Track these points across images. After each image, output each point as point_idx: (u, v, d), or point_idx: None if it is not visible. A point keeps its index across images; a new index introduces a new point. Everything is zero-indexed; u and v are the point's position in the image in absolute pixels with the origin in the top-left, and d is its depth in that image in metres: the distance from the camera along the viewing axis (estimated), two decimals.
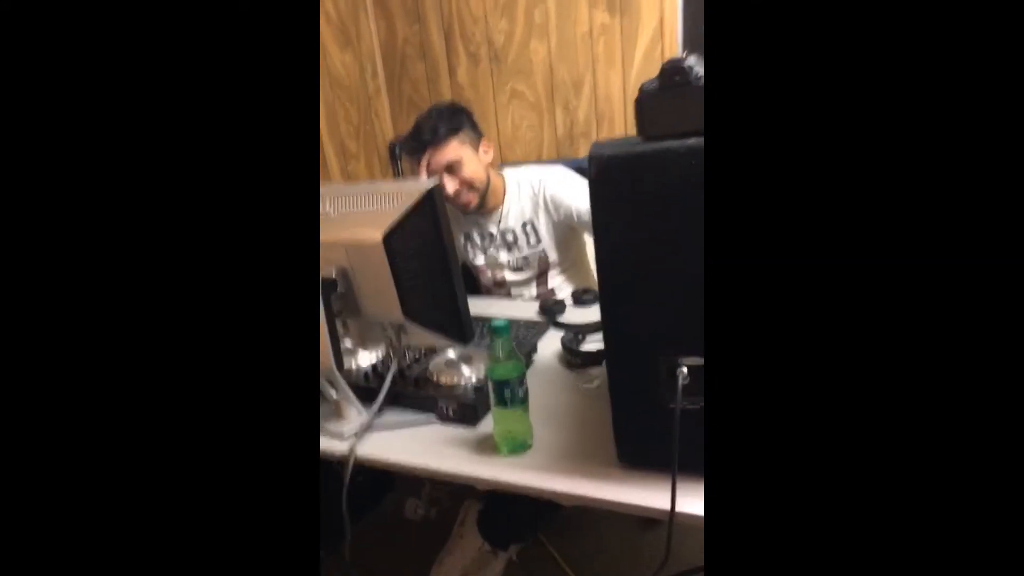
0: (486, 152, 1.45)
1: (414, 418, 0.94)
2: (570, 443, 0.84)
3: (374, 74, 2.22)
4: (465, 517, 1.48)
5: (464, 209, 1.44)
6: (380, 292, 0.88)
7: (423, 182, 0.81)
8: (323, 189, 0.89)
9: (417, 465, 0.84)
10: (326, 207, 0.86)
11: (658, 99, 0.59)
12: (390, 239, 0.83)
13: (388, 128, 2.31)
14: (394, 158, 2.33)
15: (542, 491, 0.76)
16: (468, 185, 1.40)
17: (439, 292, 0.87)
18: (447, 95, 2.17)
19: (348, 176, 2.10)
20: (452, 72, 2.15)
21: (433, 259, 0.85)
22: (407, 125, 2.31)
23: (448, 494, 1.70)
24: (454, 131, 1.39)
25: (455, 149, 1.38)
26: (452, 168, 1.38)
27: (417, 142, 1.38)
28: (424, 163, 1.39)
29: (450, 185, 1.38)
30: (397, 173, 2.33)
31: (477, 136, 1.45)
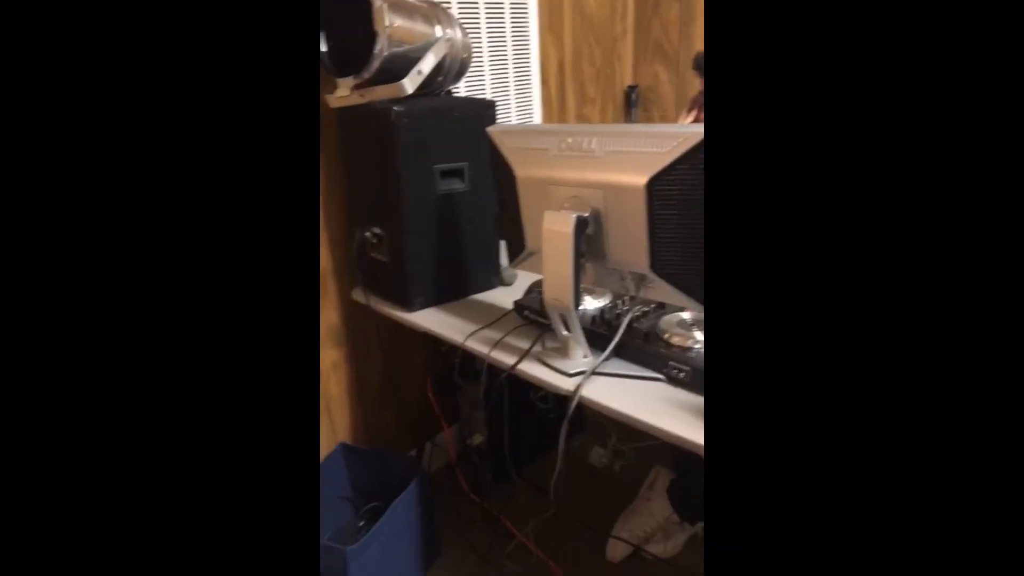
0: None
1: (641, 372, 0.92)
2: None
3: (624, 15, 2.13)
4: (654, 482, 1.46)
5: None
6: (630, 239, 0.85)
7: (701, 126, 0.75)
8: (591, 127, 0.88)
9: (641, 419, 0.82)
10: (592, 144, 0.85)
11: None
12: (654, 185, 0.79)
13: (628, 73, 2.23)
14: (629, 104, 2.25)
15: None
16: None
17: (692, 248, 0.82)
18: (698, 43, 2.01)
19: (582, 120, 2.09)
20: None
21: (694, 212, 0.79)
22: (649, 72, 2.21)
23: (634, 450, 1.69)
24: None
25: None
26: None
27: None
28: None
29: None
30: (630, 121, 2.26)
31: None
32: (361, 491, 1.52)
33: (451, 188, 1.20)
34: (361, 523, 1.50)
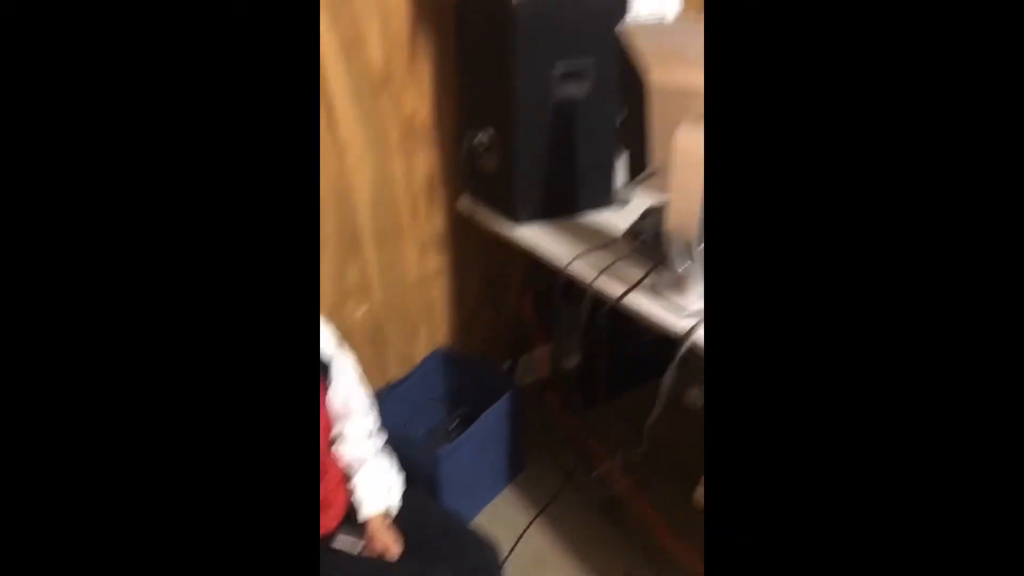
0: None
1: None
2: None
3: None
4: None
5: None
6: None
7: None
8: None
9: None
10: None
11: None
12: None
13: None
14: None
15: None
16: None
17: None
18: None
19: None
20: None
21: None
22: None
23: None
24: None
25: None
26: None
27: None
28: None
29: None
30: None
31: None
32: (454, 395, 1.57)
33: (571, 93, 1.08)
34: (452, 426, 1.55)
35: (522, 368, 1.70)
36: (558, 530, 1.35)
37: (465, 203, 1.32)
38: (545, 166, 1.13)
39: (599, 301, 0.98)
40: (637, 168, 0.98)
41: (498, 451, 1.41)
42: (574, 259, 1.03)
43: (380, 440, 1.11)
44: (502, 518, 1.39)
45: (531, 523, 1.29)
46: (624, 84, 0.93)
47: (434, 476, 1.22)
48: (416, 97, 1.23)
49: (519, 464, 1.49)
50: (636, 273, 0.96)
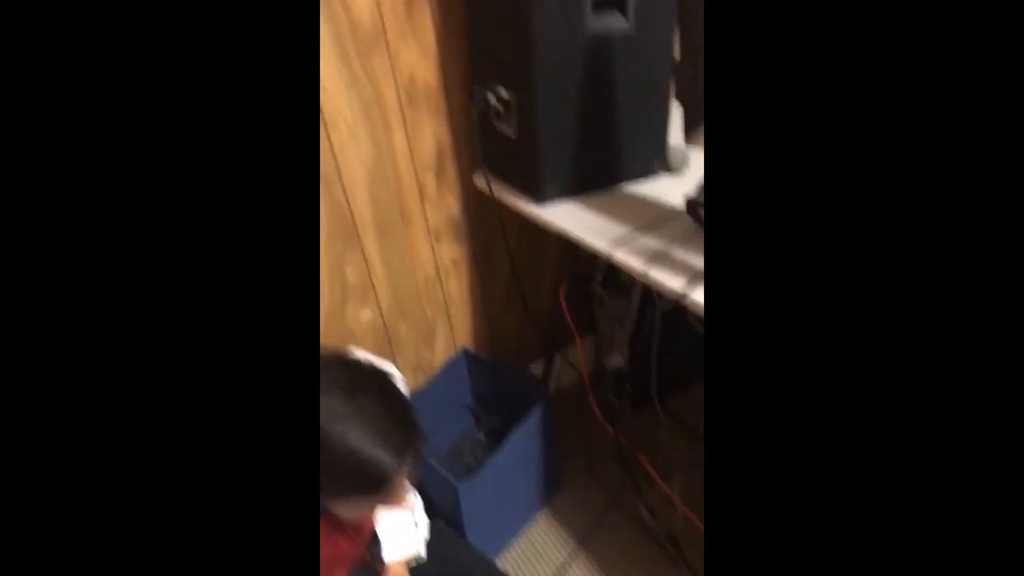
0: None
1: None
2: None
3: None
4: None
5: None
6: None
7: None
8: None
9: None
10: None
11: None
12: None
13: None
14: None
15: None
16: None
17: None
18: None
19: None
20: None
21: None
22: None
23: None
24: None
25: None
26: None
27: None
28: None
29: None
30: None
31: None
32: (482, 400, 1.37)
33: (607, 27, 0.84)
34: (481, 436, 1.36)
35: (558, 367, 1.49)
36: (602, 567, 1.14)
37: (482, 180, 1.10)
38: (577, 127, 0.90)
39: (652, 295, 0.76)
40: (697, 122, 0.74)
41: (530, 473, 1.20)
42: (620, 244, 0.80)
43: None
44: (537, 551, 1.19)
45: (569, 560, 1.09)
46: (681, 10, 0.69)
47: (456, 510, 1.02)
48: (416, 54, 1.01)
49: (556, 483, 1.29)
50: (700, 258, 0.73)
